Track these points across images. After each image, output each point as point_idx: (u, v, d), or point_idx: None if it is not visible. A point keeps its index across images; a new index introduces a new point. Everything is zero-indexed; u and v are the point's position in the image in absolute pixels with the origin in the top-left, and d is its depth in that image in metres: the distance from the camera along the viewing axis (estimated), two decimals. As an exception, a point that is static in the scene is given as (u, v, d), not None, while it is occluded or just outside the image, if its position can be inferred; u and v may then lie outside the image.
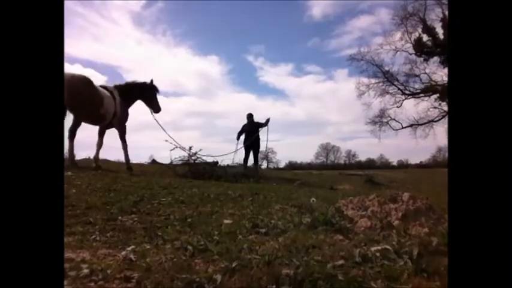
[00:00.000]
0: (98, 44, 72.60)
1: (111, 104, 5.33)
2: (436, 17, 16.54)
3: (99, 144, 5.55)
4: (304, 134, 74.63)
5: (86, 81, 4.94)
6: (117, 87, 5.60)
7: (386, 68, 18.21)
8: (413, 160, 44.73)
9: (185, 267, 1.25)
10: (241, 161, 8.18)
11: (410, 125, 18.45)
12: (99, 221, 1.88)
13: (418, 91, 18.07)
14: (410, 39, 17.51)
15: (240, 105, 67.74)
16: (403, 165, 42.02)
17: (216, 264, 1.30)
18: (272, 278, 1.15)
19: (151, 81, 5.91)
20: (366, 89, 18.50)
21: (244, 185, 4.71)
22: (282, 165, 45.16)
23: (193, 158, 6.24)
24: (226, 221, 2.03)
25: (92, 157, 5.84)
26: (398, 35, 17.65)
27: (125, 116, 5.68)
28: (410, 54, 17.67)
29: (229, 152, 7.87)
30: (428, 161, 41.29)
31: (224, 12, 72.20)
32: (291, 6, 68.52)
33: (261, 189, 3.81)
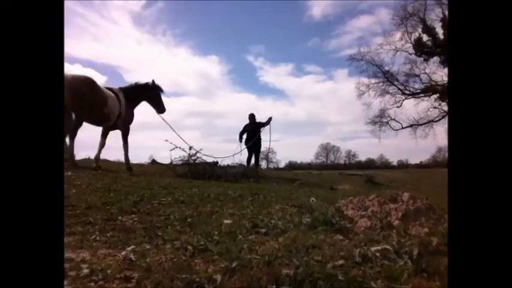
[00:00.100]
0: (98, 44, 72.76)
1: (116, 105, 5.35)
2: (436, 17, 16.57)
3: (102, 145, 5.56)
4: (304, 134, 74.80)
5: (88, 82, 4.95)
6: (122, 89, 5.65)
7: (387, 68, 18.25)
8: (413, 160, 44.82)
9: (185, 267, 1.25)
10: (241, 161, 8.18)
11: (410, 125, 18.47)
12: (99, 221, 1.88)
13: (418, 91, 18.09)
14: (410, 39, 17.54)
15: (240, 105, 67.87)
16: (403, 165, 42.06)
17: (216, 264, 1.30)
18: (272, 278, 1.15)
19: (153, 81, 5.92)
20: (366, 89, 18.53)
21: (244, 185, 4.71)
22: (282, 165, 45.22)
23: (193, 158, 6.24)
24: (226, 221, 2.03)
25: (92, 157, 5.85)
26: (398, 35, 17.68)
27: (130, 118, 5.72)
28: (410, 54, 17.70)
29: (233, 153, 7.86)
30: (428, 161, 41.36)
31: (224, 12, 72.35)
32: (291, 6, 68.67)
33: (261, 189, 3.81)
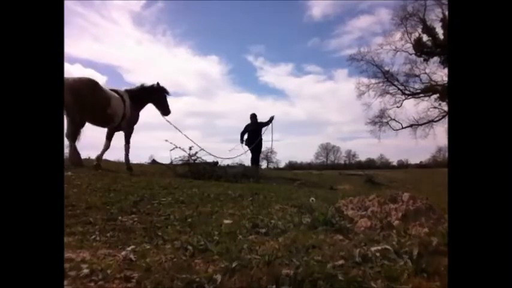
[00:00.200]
0: (98, 44, 72.82)
1: (120, 106, 5.39)
2: (436, 17, 16.57)
3: (106, 147, 5.62)
4: (304, 134, 74.89)
5: (90, 84, 5.00)
6: (127, 91, 5.71)
7: (387, 68, 18.25)
8: (413, 160, 44.84)
9: (185, 267, 1.25)
10: (241, 161, 8.17)
11: (410, 125, 18.47)
12: (99, 221, 1.88)
13: (418, 91, 18.09)
14: (410, 39, 17.54)
15: (240, 105, 67.98)
16: (403, 165, 42.08)
17: (216, 264, 1.30)
18: (272, 278, 1.15)
19: (158, 83, 5.98)
20: (366, 89, 18.54)
21: (244, 185, 4.71)
22: (282, 165, 45.24)
23: (193, 158, 6.24)
24: (226, 221, 2.03)
25: (92, 157, 5.86)
26: (398, 35, 17.69)
27: (134, 119, 5.77)
28: (410, 54, 17.70)
29: (236, 154, 7.87)
30: (428, 161, 41.38)
31: (224, 12, 72.41)
32: (291, 6, 68.69)
33: (261, 189, 3.81)
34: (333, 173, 15.02)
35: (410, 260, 1.35)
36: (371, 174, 11.47)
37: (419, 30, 17.27)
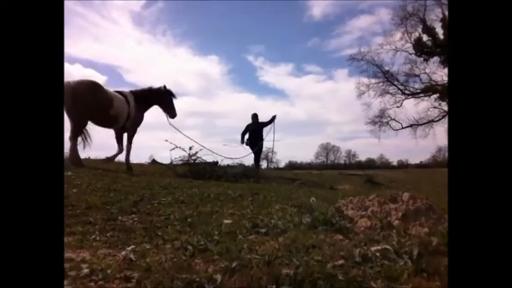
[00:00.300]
0: (98, 44, 72.85)
1: (124, 107, 5.44)
2: (436, 17, 16.58)
3: (120, 150, 5.71)
4: (304, 134, 74.91)
5: (91, 86, 5.05)
6: (132, 92, 5.76)
7: (387, 68, 18.26)
8: (413, 160, 44.85)
9: (185, 267, 1.25)
10: (241, 161, 8.16)
11: (410, 125, 18.48)
12: (99, 221, 1.88)
13: (418, 91, 18.10)
14: (410, 39, 17.55)
15: (240, 105, 68.05)
16: (403, 165, 42.08)
17: (216, 264, 1.30)
18: (272, 278, 1.15)
19: (165, 86, 6.05)
20: (366, 89, 18.55)
21: (244, 185, 4.71)
22: (282, 165, 45.20)
23: (193, 158, 6.24)
24: (226, 221, 2.03)
25: (92, 157, 5.89)
26: (398, 35, 17.70)
27: (138, 120, 5.81)
28: (410, 54, 17.71)
29: (235, 153, 7.87)
30: (428, 161, 41.38)
31: (224, 12, 72.43)
32: (291, 6, 68.70)
33: (261, 189, 3.81)
34: (333, 173, 15.01)
35: (410, 260, 1.35)
36: (371, 174, 11.47)
37: (419, 30, 17.28)
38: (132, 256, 1.33)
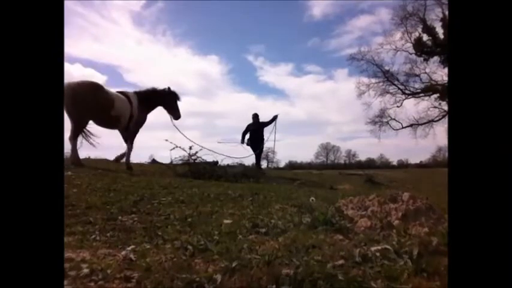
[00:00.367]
0: (98, 44, 72.94)
1: (126, 108, 5.46)
2: (436, 17, 16.60)
3: (130, 149, 5.76)
4: (304, 134, 75.02)
5: (92, 87, 5.07)
6: (136, 93, 5.78)
7: (387, 68, 18.29)
8: (413, 160, 44.93)
9: (185, 267, 1.25)
10: (241, 161, 8.15)
11: (410, 125, 18.51)
12: (99, 221, 1.88)
13: (418, 91, 18.11)
14: (410, 39, 17.57)
15: (240, 105, 68.15)
16: (403, 165, 42.14)
17: (216, 264, 1.30)
18: (272, 278, 1.15)
19: (169, 88, 6.09)
20: (366, 88, 18.58)
21: (244, 184, 4.70)
22: (282, 165, 45.25)
23: (193, 157, 6.24)
24: (226, 221, 2.03)
25: (92, 157, 5.90)
26: (398, 34, 17.72)
27: (141, 121, 5.84)
28: (411, 54, 17.73)
29: (245, 155, 7.88)
30: (428, 161, 41.45)
31: (224, 12, 72.49)
32: (291, 6, 68.77)
33: (261, 189, 3.81)
34: (333, 173, 15.00)
35: (410, 260, 1.35)
36: (371, 174, 11.45)
37: (420, 29, 17.30)
38: (132, 256, 1.33)
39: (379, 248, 1.49)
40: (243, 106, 67.39)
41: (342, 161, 49.62)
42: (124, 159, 5.87)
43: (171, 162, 6.33)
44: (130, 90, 5.81)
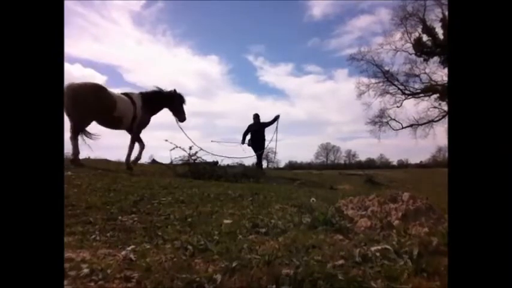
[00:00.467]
0: (98, 44, 73.00)
1: (129, 109, 5.47)
2: (436, 17, 16.60)
3: (142, 147, 5.81)
4: (304, 134, 75.10)
5: (94, 88, 5.09)
6: (142, 94, 5.80)
7: (387, 68, 18.28)
8: (413, 160, 44.95)
9: (185, 267, 1.25)
10: (241, 161, 8.14)
11: (410, 125, 18.50)
12: (99, 221, 1.88)
13: (418, 91, 18.11)
14: (410, 39, 17.56)
15: (240, 105, 68.22)
16: (403, 165, 42.16)
17: (216, 264, 1.30)
18: (272, 278, 1.15)
19: (175, 90, 6.11)
20: (366, 88, 18.57)
21: (244, 185, 4.70)
22: (282, 165, 45.25)
23: (193, 157, 6.24)
24: (226, 221, 2.03)
25: (92, 157, 5.91)
26: (398, 35, 17.71)
27: (145, 122, 5.85)
28: (410, 54, 17.72)
29: (236, 153, 7.87)
30: (428, 161, 41.46)
31: (224, 12, 72.53)
32: (291, 6, 68.81)
33: (261, 189, 3.81)
34: (333, 173, 15.00)
35: (410, 260, 1.35)
36: (371, 174, 11.45)
37: (419, 30, 17.29)
38: (132, 256, 1.33)
39: (379, 248, 1.49)
40: (243, 106, 67.52)
41: (342, 161, 49.70)
42: (135, 160, 5.87)
43: (171, 162, 6.33)
44: (129, 90, 5.82)
